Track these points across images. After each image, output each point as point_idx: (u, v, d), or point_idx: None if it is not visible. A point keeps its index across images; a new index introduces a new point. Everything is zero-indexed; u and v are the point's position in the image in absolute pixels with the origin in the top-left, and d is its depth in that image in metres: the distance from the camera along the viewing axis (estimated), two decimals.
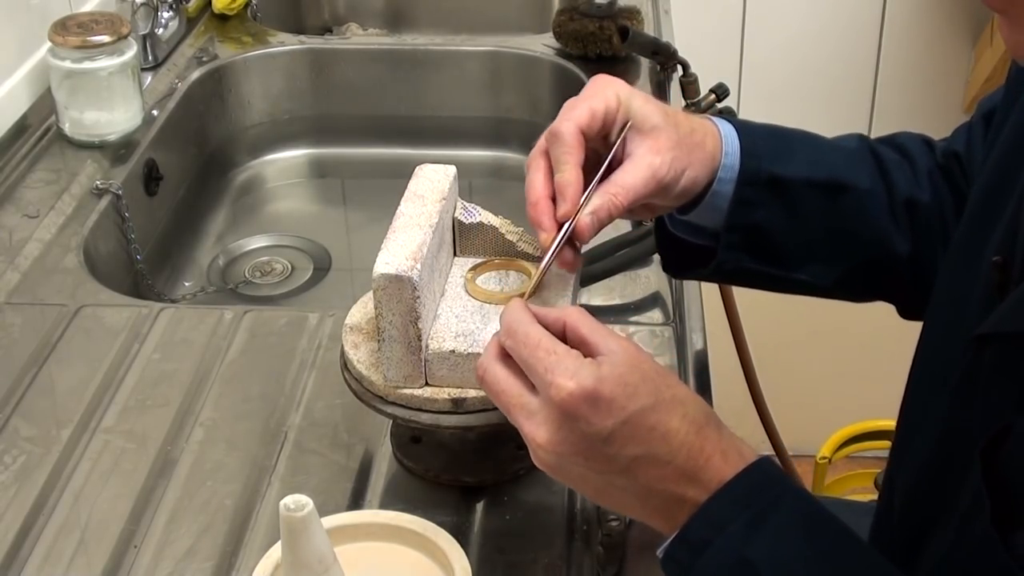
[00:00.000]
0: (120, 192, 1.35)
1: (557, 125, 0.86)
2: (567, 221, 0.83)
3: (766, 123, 0.96)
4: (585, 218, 0.83)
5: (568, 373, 0.72)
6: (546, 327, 0.76)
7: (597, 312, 1.12)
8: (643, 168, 0.85)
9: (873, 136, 1.02)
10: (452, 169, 0.95)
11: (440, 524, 0.84)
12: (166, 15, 1.62)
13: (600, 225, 0.84)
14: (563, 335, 0.76)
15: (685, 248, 0.98)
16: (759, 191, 0.92)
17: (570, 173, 0.84)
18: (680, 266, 1.01)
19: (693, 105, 1.59)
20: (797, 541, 0.72)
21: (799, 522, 0.73)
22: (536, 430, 0.73)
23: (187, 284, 1.46)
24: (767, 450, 1.99)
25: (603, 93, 0.87)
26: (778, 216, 0.94)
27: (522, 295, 0.85)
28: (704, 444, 0.73)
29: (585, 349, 0.74)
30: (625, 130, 0.86)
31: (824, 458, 2.20)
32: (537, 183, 0.85)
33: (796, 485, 0.75)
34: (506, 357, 0.76)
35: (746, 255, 0.95)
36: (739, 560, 0.71)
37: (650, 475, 0.73)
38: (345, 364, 0.90)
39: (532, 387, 0.74)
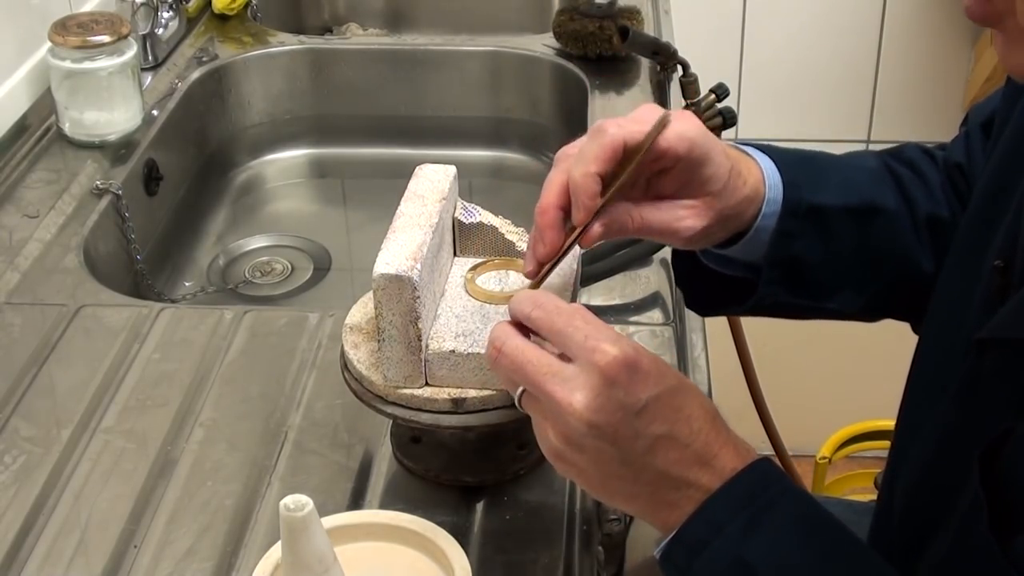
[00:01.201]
0: (120, 192, 1.35)
1: (605, 123, 0.83)
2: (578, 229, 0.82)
3: (791, 148, 0.95)
4: (598, 228, 0.82)
5: (611, 340, 0.72)
6: None
7: (597, 312, 1.12)
8: (669, 222, 0.85)
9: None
10: (452, 169, 0.95)
11: (440, 524, 0.84)
12: (166, 15, 1.62)
13: (604, 239, 0.84)
14: None
15: (715, 285, 0.97)
16: (800, 222, 0.92)
17: (586, 175, 0.81)
18: (711, 303, 1.00)
19: (693, 105, 1.59)
20: (795, 542, 0.72)
21: (797, 523, 0.73)
22: (571, 395, 0.72)
23: (187, 284, 1.46)
24: (767, 450, 1.99)
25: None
26: (815, 246, 0.93)
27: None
28: (718, 433, 0.74)
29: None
30: (658, 130, 0.82)
31: (824, 458, 2.21)
32: (555, 184, 0.83)
33: (795, 485, 0.75)
34: (524, 332, 0.76)
35: (783, 289, 0.94)
36: (736, 561, 0.71)
37: (669, 457, 0.73)
38: (345, 364, 0.90)
39: (559, 356, 0.74)
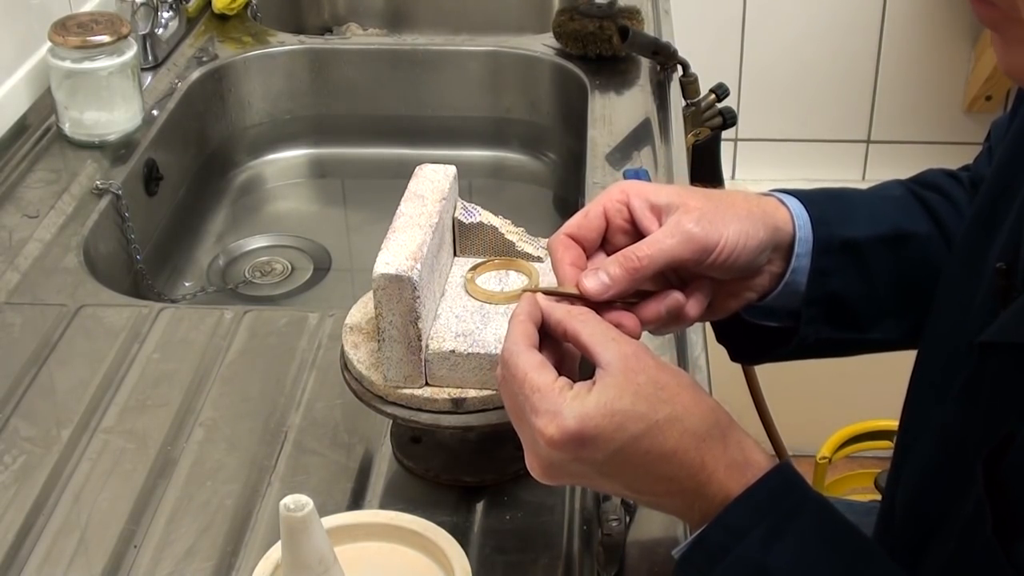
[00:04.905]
0: (120, 192, 1.35)
1: (550, 239, 0.84)
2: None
3: (817, 188, 0.95)
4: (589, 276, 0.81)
5: (549, 416, 0.71)
6: (550, 328, 0.76)
7: None
8: (669, 225, 0.82)
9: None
10: (452, 169, 0.95)
11: (440, 524, 0.84)
12: (166, 15, 1.62)
13: (613, 284, 0.80)
14: (566, 337, 0.76)
15: (756, 335, 0.96)
16: (834, 258, 0.90)
17: (561, 272, 0.82)
18: (756, 353, 0.99)
19: (693, 105, 1.59)
20: (817, 550, 0.71)
21: (819, 531, 0.72)
22: (530, 459, 0.74)
23: (187, 284, 1.46)
24: (767, 450, 1.99)
25: (605, 194, 0.85)
26: (852, 280, 0.92)
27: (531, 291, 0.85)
28: (705, 459, 0.72)
29: (585, 356, 0.75)
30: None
31: (824, 458, 2.20)
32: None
33: (816, 492, 0.74)
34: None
35: (825, 325, 0.93)
36: (758, 568, 0.70)
37: (656, 489, 0.73)
38: (345, 364, 0.90)
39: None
